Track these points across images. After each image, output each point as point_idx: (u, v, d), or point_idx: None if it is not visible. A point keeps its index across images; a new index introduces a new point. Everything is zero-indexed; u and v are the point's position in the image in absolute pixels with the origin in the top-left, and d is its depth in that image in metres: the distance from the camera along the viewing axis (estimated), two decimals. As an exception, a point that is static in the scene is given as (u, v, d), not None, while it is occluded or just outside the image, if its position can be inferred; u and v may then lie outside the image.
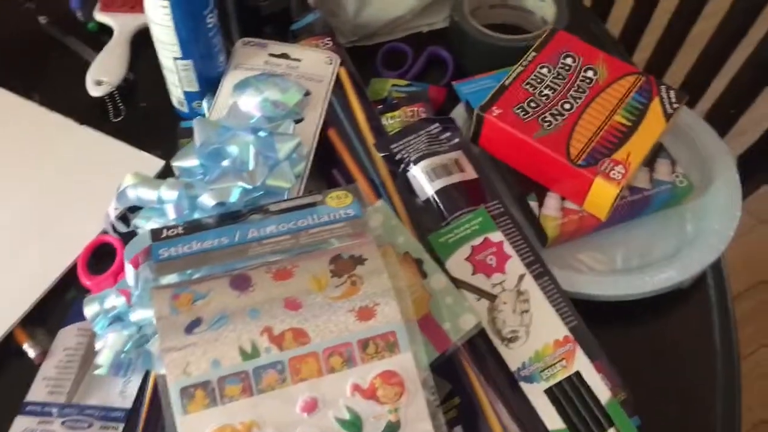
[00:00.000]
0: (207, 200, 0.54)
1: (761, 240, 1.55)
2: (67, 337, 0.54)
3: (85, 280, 0.57)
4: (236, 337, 0.46)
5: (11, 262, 0.58)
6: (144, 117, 0.71)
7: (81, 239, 0.59)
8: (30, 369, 0.53)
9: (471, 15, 0.71)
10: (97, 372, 0.50)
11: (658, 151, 0.61)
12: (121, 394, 0.51)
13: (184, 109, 0.68)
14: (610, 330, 0.53)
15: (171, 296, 0.47)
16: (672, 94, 0.59)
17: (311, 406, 0.45)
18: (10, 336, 0.54)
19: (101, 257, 0.59)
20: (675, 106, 0.59)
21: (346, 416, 0.45)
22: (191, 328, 0.46)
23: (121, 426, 0.50)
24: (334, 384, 0.46)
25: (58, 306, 0.57)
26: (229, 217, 0.53)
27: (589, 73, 0.61)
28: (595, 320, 0.53)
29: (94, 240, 0.59)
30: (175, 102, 0.69)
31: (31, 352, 0.53)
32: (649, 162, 0.60)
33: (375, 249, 0.50)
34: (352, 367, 0.46)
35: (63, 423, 0.49)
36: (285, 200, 0.55)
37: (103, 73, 0.70)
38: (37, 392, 0.51)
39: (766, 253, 1.54)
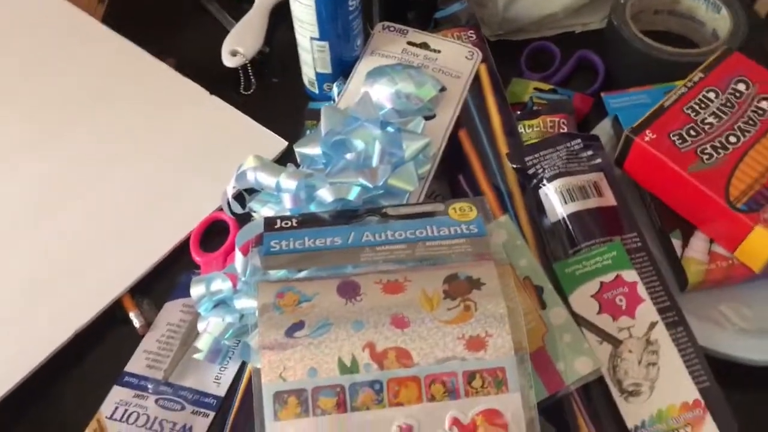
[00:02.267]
0: (325, 195, 0.52)
1: None
2: (172, 311, 0.54)
3: (196, 256, 0.57)
4: (337, 347, 0.43)
5: (128, 228, 0.58)
6: (273, 93, 0.69)
7: (197, 214, 0.59)
8: (133, 338, 0.53)
9: (632, 19, 0.65)
10: (196, 356, 0.49)
11: (830, 199, 0.53)
12: (216, 380, 0.50)
13: (315, 90, 0.66)
14: (749, 398, 0.47)
15: (276, 293, 0.45)
16: None
17: (406, 434, 0.42)
18: (118, 303, 0.54)
19: (214, 234, 0.59)
20: None
21: (441, 450, 0.42)
22: (293, 330, 0.44)
23: (212, 414, 0.49)
24: (432, 414, 0.43)
25: (166, 278, 0.57)
26: (345, 215, 0.51)
27: (764, 104, 0.53)
28: (731, 385, 0.47)
29: (209, 216, 0.58)
30: (306, 82, 0.67)
31: (136, 322, 0.54)
32: (820, 212, 0.53)
33: (495, 273, 0.46)
34: (454, 399, 0.43)
35: (156, 401, 0.49)
36: (405, 205, 0.52)
37: (239, 44, 0.69)
38: (136, 364, 0.51)
39: None
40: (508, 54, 0.68)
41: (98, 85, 0.68)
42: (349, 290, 0.45)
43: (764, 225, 0.48)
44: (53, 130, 0.65)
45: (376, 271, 0.47)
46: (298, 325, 0.44)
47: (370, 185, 0.52)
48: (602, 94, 0.61)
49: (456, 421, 0.42)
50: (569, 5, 0.68)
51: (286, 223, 0.50)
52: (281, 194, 0.54)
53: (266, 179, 0.53)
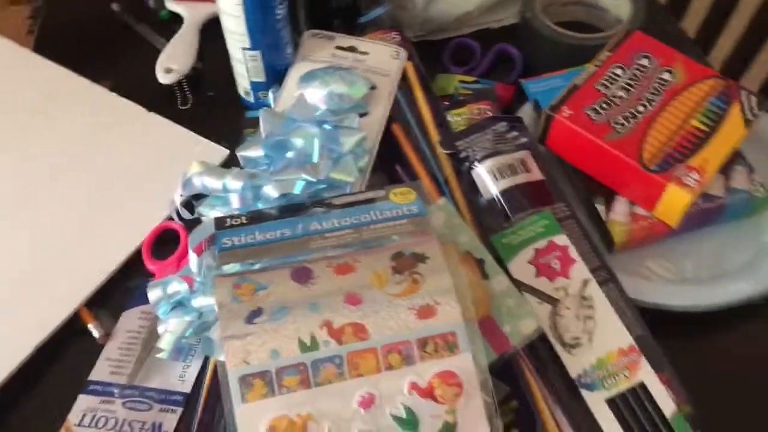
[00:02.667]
0: (271, 191, 0.54)
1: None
2: (130, 319, 0.55)
3: (149, 265, 0.58)
4: (296, 329, 0.46)
5: (79, 244, 0.59)
6: (211, 106, 0.71)
7: (146, 224, 0.60)
8: (93, 349, 0.54)
9: (542, 12, 0.70)
10: (159, 355, 0.51)
11: (734, 157, 0.59)
12: (181, 378, 0.52)
13: (251, 99, 0.69)
14: (677, 341, 0.51)
15: (233, 285, 0.47)
16: (753, 99, 0.57)
17: (368, 402, 0.45)
18: (75, 316, 0.55)
19: (165, 243, 0.60)
20: (756, 112, 0.56)
21: (403, 414, 0.45)
22: (252, 317, 0.46)
23: (180, 410, 0.50)
24: (391, 381, 0.45)
25: (121, 289, 0.58)
26: (291, 208, 0.53)
27: (666, 75, 0.59)
28: (661, 331, 0.51)
29: (159, 226, 0.60)
30: (241, 92, 0.69)
31: (95, 333, 0.55)
32: (725, 169, 0.58)
33: (437, 247, 0.49)
34: (410, 365, 0.46)
35: (124, 404, 0.50)
36: (348, 194, 0.55)
37: (173, 61, 0.71)
38: (100, 372, 0.52)
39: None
40: (431, 52, 0.73)
41: (38, 111, 0.69)
42: (302, 275, 0.48)
43: (676, 182, 0.53)
44: None
45: (326, 257, 0.49)
46: (257, 312, 0.46)
47: (313, 179, 0.55)
48: (521, 81, 0.66)
49: (414, 386, 0.45)
50: (483, 3, 0.73)
51: (236, 221, 0.52)
52: (228, 196, 0.56)
53: (212, 183, 0.55)
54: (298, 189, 0.54)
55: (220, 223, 0.52)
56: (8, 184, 0.64)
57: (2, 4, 0.78)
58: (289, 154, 0.58)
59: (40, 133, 0.67)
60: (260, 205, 0.55)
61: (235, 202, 0.55)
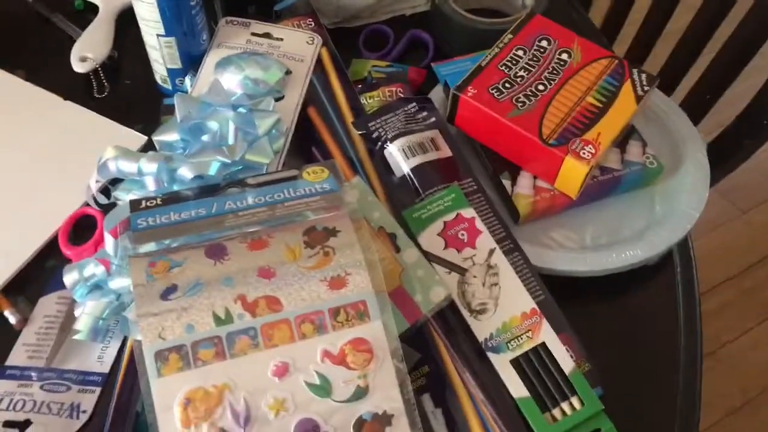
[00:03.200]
0: (186, 173, 0.55)
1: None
2: (48, 305, 0.55)
3: (66, 250, 0.58)
4: (210, 303, 0.47)
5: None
6: (127, 94, 0.72)
7: (63, 211, 0.60)
8: (10, 335, 0.54)
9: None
10: (76, 336, 0.51)
11: (630, 133, 0.62)
12: (99, 359, 0.52)
13: (168, 86, 0.69)
14: (578, 305, 0.54)
15: (148, 264, 0.48)
16: (643, 77, 0.61)
17: (282, 371, 0.47)
18: (-9, 303, 0.55)
19: (83, 229, 0.60)
20: (646, 88, 0.60)
21: (316, 381, 0.47)
22: (167, 294, 0.47)
23: (98, 390, 0.51)
24: (305, 350, 0.47)
25: (38, 275, 0.58)
26: (207, 189, 0.54)
27: (564, 56, 0.62)
28: (564, 295, 0.54)
29: (76, 212, 0.60)
30: (158, 79, 0.70)
31: (12, 319, 0.55)
32: (621, 143, 0.62)
33: (348, 222, 0.51)
34: (323, 334, 0.48)
35: (42, 387, 0.51)
36: (263, 174, 0.56)
37: (88, 50, 0.71)
38: (16, 357, 0.52)
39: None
40: (347, 39, 0.74)
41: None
42: (216, 252, 0.49)
43: (573, 155, 0.56)
44: None
45: (241, 234, 0.51)
46: (171, 289, 0.47)
47: (229, 160, 0.56)
48: (432, 65, 0.68)
49: (327, 353, 0.47)
50: (395, -10, 0.75)
51: (151, 203, 0.53)
52: (144, 178, 0.56)
53: (127, 166, 0.56)
54: (213, 170, 0.55)
55: (135, 205, 0.52)
56: None
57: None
58: (205, 138, 0.59)
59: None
60: (176, 187, 0.56)
61: (150, 185, 0.56)
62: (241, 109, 0.60)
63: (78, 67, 0.70)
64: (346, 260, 0.49)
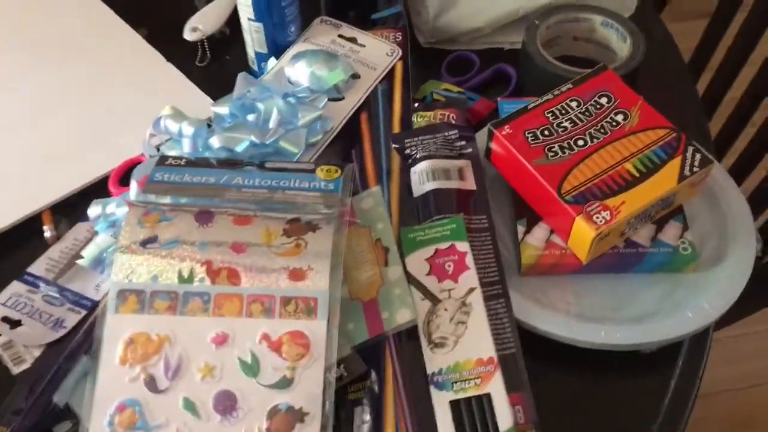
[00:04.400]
0: (215, 142, 0.59)
1: None
2: (80, 230, 0.62)
3: (112, 188, 0.65)
4: (179, 261, 0.51)
5: (64, 154, 0.67)
6: (223, 68, 0.78)
7: (123, 154, 0.67)
8: (43, 247, 0.61)
9: (551, 43, 0.71)
10: (79, 261, 0.57)
11: (674, 212, 0.58)
12: (96, 287, 0.58)
13: (255, 67, 0.74)
14: (558, 371, 0.52)
15: (143, 212, 0.53)
16: (697, 157, 0.56)
17: (221, 340, 0.49)
18: (38, 216, 0.63)
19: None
20: (695, 169, 0.56)
21: (248, 359, 0.49)
22: (146, 242, 0.51)
23: (84, 312, 0.56)
24: (247, 327, 0.49)
25: (85, 204, 0.65)
26: (230, 163, 0.58)
27: (619, 117, 0.59)
28: (548, 358, 0.52)
29: (132, 158, 0.67)
30: (249, 60, 0.75)
31: (47, 233, 0.62)
32: (660, 221, 0.58)
33: (331, 223, 0.53)
34: (268, 318, 0.49)
35: (43, 297, 0.57)
36: (281, 161, 0.59)
37: (202, 22, 0.78)
38: (37, 266, 0.59)
39: None
40: (435, 60, 0.76)
41: (73, 41, 0.79)
42: (204, 218, 0.53)
43: (585, 217, 0.53)
44: (20, 70, 0.76)
45: (235, 208, 0.54)
46: (152, 239, 0.51)
47: (258, 141, 0.60)
48: (498, 99, 0.68)
49: (266, 336, 0.49)
50: (494, 22, 0.75)
51: (176, 162, 0.57)
52: (182, 140, 0.62)
53: (172, 126, 0.61)
54: (240, 147, 0.59)
55: (161, 160, 0.58)
56: (20, 95, 0.73)
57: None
58: (250, 117, 0.63)
59: (65, 58, 0.76)
60: (207, 155, 0.61)
61: (186, 147, 0.61)
62: (289, 99, 0.63)
63: (187, 36, 0.77)
64: (314, 257, 0.51)
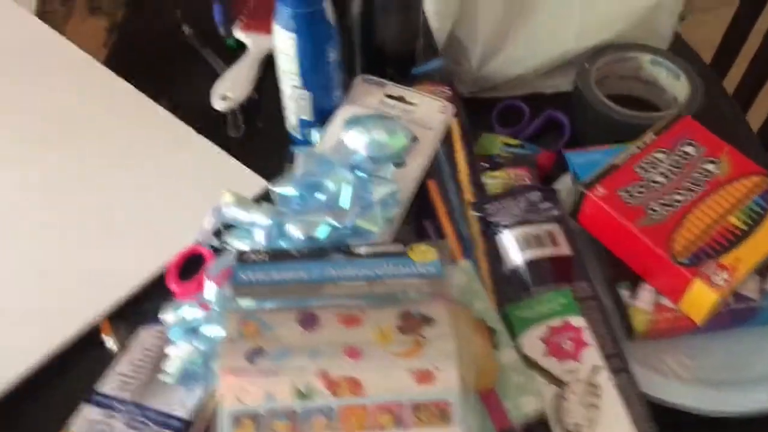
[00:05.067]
0: (295, 232, 0.55)
1: None
2: (146, 337, 0.57)
3: (173, 285, 0.59)
4: (293, 374, 0.46)
5: (106, 256, 0.62)
6: (259, 137, 0.73)
7: (175, 245, 0.62)
8: (106, 361, 0.56)
9: (597, 84, 0.69)
10: (165, 379, 0.52)
11: (775, 259, 0.57)
12: (182, 402, 0.53)
13: (297, 135, 0.70)
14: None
15: (240, 320, 0.48)
16: (799, 203, 0.55)
17: (353, 459, 0.45)
18: (94, 326, 0.57)
19: (190, 265, 0.62)
20: (800, 216, 0.54)
21: (386, 477, 0.45)
22: (253, 356, 0.46)
23: (174, 435, 0.51)
24: (379, 442, 0.45)
25: (142, 305, 0.59)
26: (313, 250, 0.54)
27: (710, 166, 0.57)
28: (671, 428, 0.49)
29: (187, 249, 0.61)
30: (289, 127, 0.71)
31: (111, 345, 0.56)
32: (764, 270, 0.56)
33: (446, 313, 0.49)
34: (400, 429, 0.45)
35: (124, 420, 0.51)
36: (370, 244, 0.55)
37: (230, 89, 0.73)
38: (108, 384, 0.54)
39: None
40: (480, 110, 0.73)
41: (95, 120, 0.73)
42: (308, 321, 0.48)
43: (704, 280, 0.51)
44: (41, 158, 0.69)
45: (336, 305, 0.50)
46: (258, 352, 0.47)
47: (339, 225, 0.56)
48: (564, 152, 0.65)
49: (401, 450, 0.45)
50: (539, 67, 0.73)
51: (257, 257, 0.53)
52: (254, 229, 0.57)
53: (241, 215, 0.57)
54: (322, 233, 0.55)
55: (241, 256, 0.53)
56: (48, 187, 0.67)
57: (82, 14, 0.82)
58: (320, 196, 0.58)
59: (91, 141, 0.71)
60: (284, 244, 0.56)
61: (259, 237, 0.56)
62: (359, 173, 0.59)
63: (217, 105, 0.72)
64: (438, 354, 0.47)
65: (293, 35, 0.61)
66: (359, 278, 0.52)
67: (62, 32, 0.80)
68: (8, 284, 0.60)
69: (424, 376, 0.46)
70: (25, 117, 0.73)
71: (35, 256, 0.62)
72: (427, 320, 0.49)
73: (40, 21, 0.82)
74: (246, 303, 0.50)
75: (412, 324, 0.48)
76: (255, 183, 0.68)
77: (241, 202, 0.57)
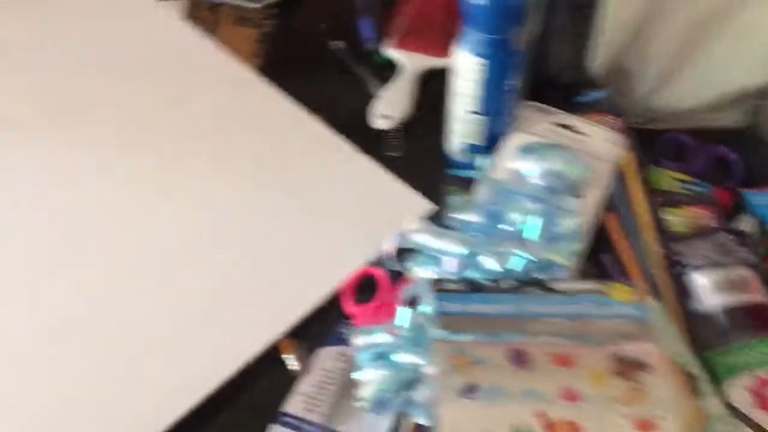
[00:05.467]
0: (489, 263, 0.54)
1: None
2: (326, 358, 0.56)
3: (349, 308, 0.59)
4: (509, 414, 0.45)
5: (284, 274, 0.61)
6: (414, 155, 0.72)
7: (346, 265, 0.61)
8: (287, 381, 0.55)
9: (771, 122, 0.67)
10: (359, 405, 0.51)
11: None
12: (372, 429, 0.52)
13: (460, 158, 0.69)
14: None
15: (450, 353, 0.48)
16: None
17: (574, 505, 0.44)
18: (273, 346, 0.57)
19: (361, 286, 0.61)
20: None
21: None
22: (467, 392, 0.46)
23: (370, 463, 0.51)
24: (601, 489, 0.44)
25: (317, 325, 0.59)
26: (507, 283, 0.53)
27: None
28: None
29: (361, 271, 0.61)
30: (451, 149, 0.70)
31: (291, 365, 0.56)
32: None
33: (658, 357, 0.48)
34: (620, 476, 0.44)
35: (315, 445, 0.51)
36: (565, 280, 0.54)
37: (390, 108, 0.73)
38: (293, 405, 0.53)
39: None
40: (643, 141, 0.71)
41: (247, 130, 0.73)
42: (518, 358, 0.47)
43: None
44: (200, 174, 0.69)
45: (543, 343, 0.49)
46: (472, 388, 0.46)
47: (533, 258, 0.55)
48: (743, 191, 0.63)
49: (624, 499, 0.44)
50: (711, 101, 0.71)
51: (454, 286, 0.52)
52: (441, 256, 0.56)
53: (431, 242, 0.56)
54: (517, 266, 0.54)
55: (437, 285, 0.52)
56: (220, 207, 0.66)
57: (227, 23, 0.83)
58: (504, 227, 0.58)
59: (244, 153, 0.70)
60: (473, 273, 0.55)
61: (450, 265, 0.55)
62: (544, 205, 0.58)
63: (378, 123, 0.72)
64: (658, 402, 0.46)
65: (482, 60, 0.60)
66: (561, 316, 0.51)
67: (211, 39, 0.81)
68: (190, 302, 0.60)
69: (645, 425, 0.45)
70: (178, 126, 0.73)
71: (216, 273, 0.62)
72: (641, 365, 0.47)
73: (190, 26, 0.82)
74: (447, 334, 0.49)
75: (627, 368, 0.47)
76: (419, 205, 0.67)
77: (430, 229, 0.57)
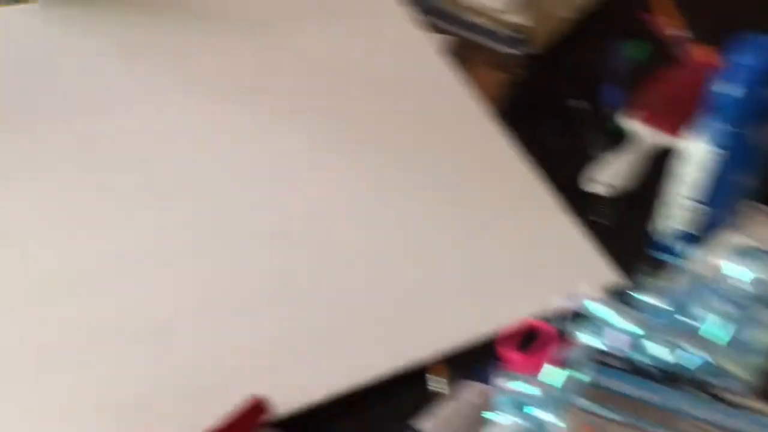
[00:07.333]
0: (660, 352, 0.52)
1: None
2: (473, 392, 0.58)
3: (506, 351, 0.60)
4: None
5: (453, 300, 0.65)
6: (621, 229, 0.71)
7: (513, 312, 0.62)
8: (423, 399, 0.58)
9: None
10: (489, 446, 0.52)
11: None
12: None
13: (666, 242, 0.67)
14: None
15: (583, 423, 0.47)
16: None
17: None
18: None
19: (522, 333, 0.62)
20: None
21: None
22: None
23: None
24: None
25: (471, 357, 0.60)
26: (670, 375, 0.51)
27: None
28: None
29: (529, 322, 0.61)
30: (658, 230, 0.68)
31: (434, 386, 0.58)
32: None
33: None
34: None
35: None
36: (737, 393, 0.51)
37: (611, 176, 0.72)
38: (427, 424, 0.56)
39: None
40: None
41: (464, 167, 0.76)
42: (655, 450, 0.45)
43: None
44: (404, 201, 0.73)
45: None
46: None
47: (710, 359, 0.52)
48: None
49: None
50: None
51: (615, 363, 0.51)
52: (610, 330, 0.55)
53: (606, 312, 0.55)
54: (692, 364, 0.51)
55: (600, 356, 0.52)
56: (416, 224, 0.71)
57: (481, 64, 0.87)
58: (687, 320, 0.55)
59: (454, 182, 0.74)
60: (638, 355, 0.53)
61: (616, 341, 0.54)
62: (742, 311, 0.54)
63: (596, 188, 0.71)
64: None
65: (719, 151, 0.58)
66: (714, 424, 0.48)
67: (462, 75, 0.85)
68: (367, 302, 0.64)
69: None
70: (407, 146, 0.78)
71: (397, 282, 0.66)
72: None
73: (446, 59, 0.87)
74: (590, 405, 0.49)
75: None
76: (603, 274, 0.66)
77: (606, 300, 0.56)
